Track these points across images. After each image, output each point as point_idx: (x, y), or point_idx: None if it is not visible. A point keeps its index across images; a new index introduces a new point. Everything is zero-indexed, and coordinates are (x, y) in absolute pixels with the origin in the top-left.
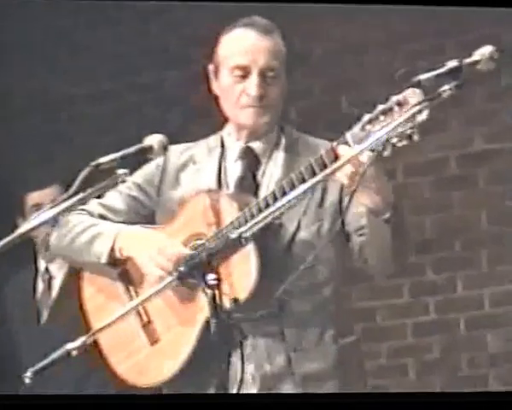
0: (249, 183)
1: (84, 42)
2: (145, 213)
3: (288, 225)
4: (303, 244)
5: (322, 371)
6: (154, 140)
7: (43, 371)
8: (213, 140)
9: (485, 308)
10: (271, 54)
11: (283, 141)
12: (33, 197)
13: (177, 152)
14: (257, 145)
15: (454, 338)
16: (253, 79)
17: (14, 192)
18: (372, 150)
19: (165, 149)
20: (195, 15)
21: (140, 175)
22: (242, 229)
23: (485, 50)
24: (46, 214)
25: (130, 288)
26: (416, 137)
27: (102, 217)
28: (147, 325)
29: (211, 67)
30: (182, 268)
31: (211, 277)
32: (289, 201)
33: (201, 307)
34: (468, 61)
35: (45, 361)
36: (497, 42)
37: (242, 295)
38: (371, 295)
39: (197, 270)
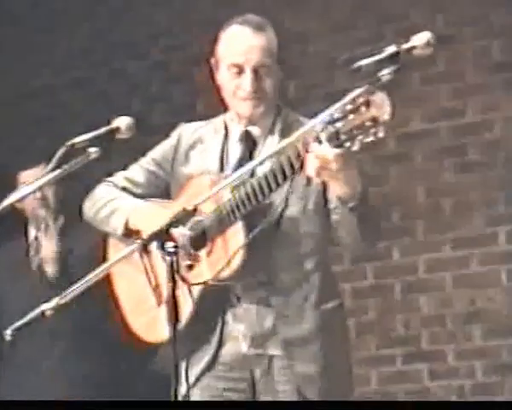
0: (246, 164)
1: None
2: (162, 187)
3: (277, 203)
4: (290, 221)
5: (305, 336)
6: (121, 122)
7: (21, 329)
8: (219, 122)
9: (419, 274)
10: (264, 51)
11: (279, 125)
12: (25, 175)
13: (189, 132)
14: (254, 129)
15: (389, 301)
16: (247, 75)
17: (8, 172)
18: (340, 146)
19: (131, 129)
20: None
21: (158, 151)
22: (198, 201)
23: (423, 36)
24: (29, 187)
25: (144, 255)
26: (380, 134)
27: (125, 189)
28: (155, 288)
29: (213, 61)
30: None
31: (169, 245)
32: (241, 175)
33: (200, 273)
34: (405, 46)
35: (23, 320)
36: (433, 28)
37: (232, 266)
38: None
39: (158, 238)
